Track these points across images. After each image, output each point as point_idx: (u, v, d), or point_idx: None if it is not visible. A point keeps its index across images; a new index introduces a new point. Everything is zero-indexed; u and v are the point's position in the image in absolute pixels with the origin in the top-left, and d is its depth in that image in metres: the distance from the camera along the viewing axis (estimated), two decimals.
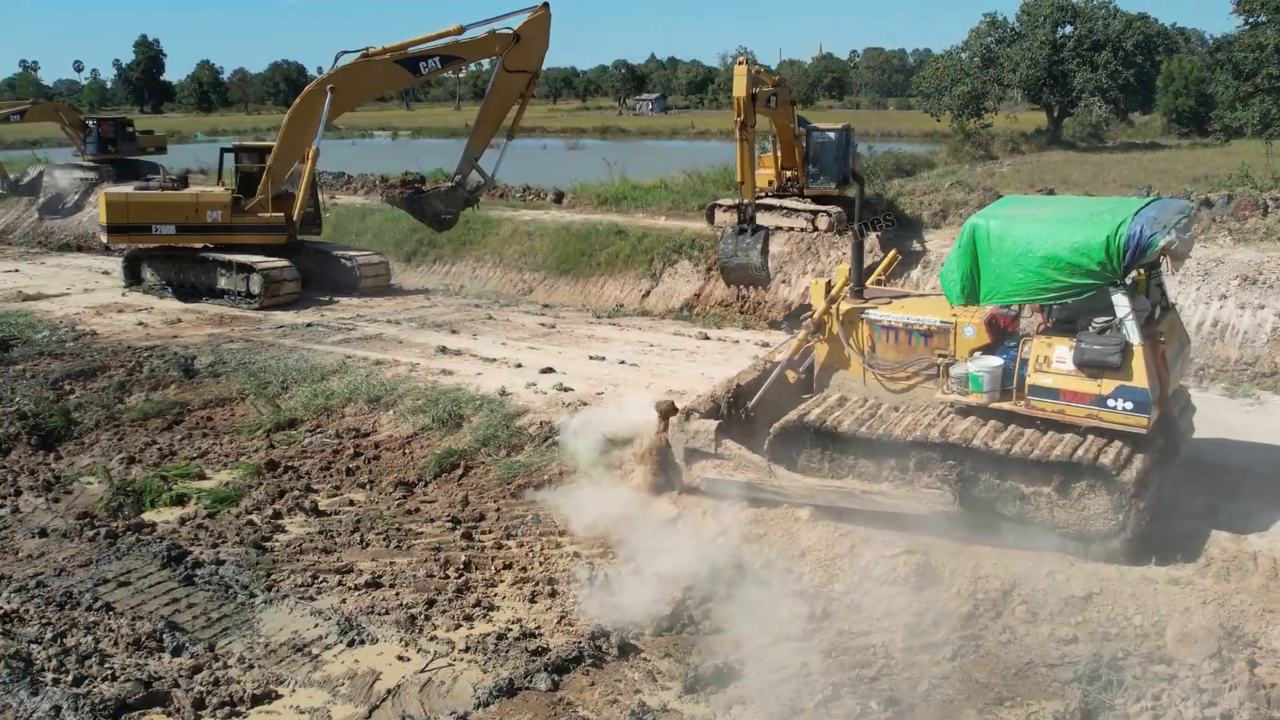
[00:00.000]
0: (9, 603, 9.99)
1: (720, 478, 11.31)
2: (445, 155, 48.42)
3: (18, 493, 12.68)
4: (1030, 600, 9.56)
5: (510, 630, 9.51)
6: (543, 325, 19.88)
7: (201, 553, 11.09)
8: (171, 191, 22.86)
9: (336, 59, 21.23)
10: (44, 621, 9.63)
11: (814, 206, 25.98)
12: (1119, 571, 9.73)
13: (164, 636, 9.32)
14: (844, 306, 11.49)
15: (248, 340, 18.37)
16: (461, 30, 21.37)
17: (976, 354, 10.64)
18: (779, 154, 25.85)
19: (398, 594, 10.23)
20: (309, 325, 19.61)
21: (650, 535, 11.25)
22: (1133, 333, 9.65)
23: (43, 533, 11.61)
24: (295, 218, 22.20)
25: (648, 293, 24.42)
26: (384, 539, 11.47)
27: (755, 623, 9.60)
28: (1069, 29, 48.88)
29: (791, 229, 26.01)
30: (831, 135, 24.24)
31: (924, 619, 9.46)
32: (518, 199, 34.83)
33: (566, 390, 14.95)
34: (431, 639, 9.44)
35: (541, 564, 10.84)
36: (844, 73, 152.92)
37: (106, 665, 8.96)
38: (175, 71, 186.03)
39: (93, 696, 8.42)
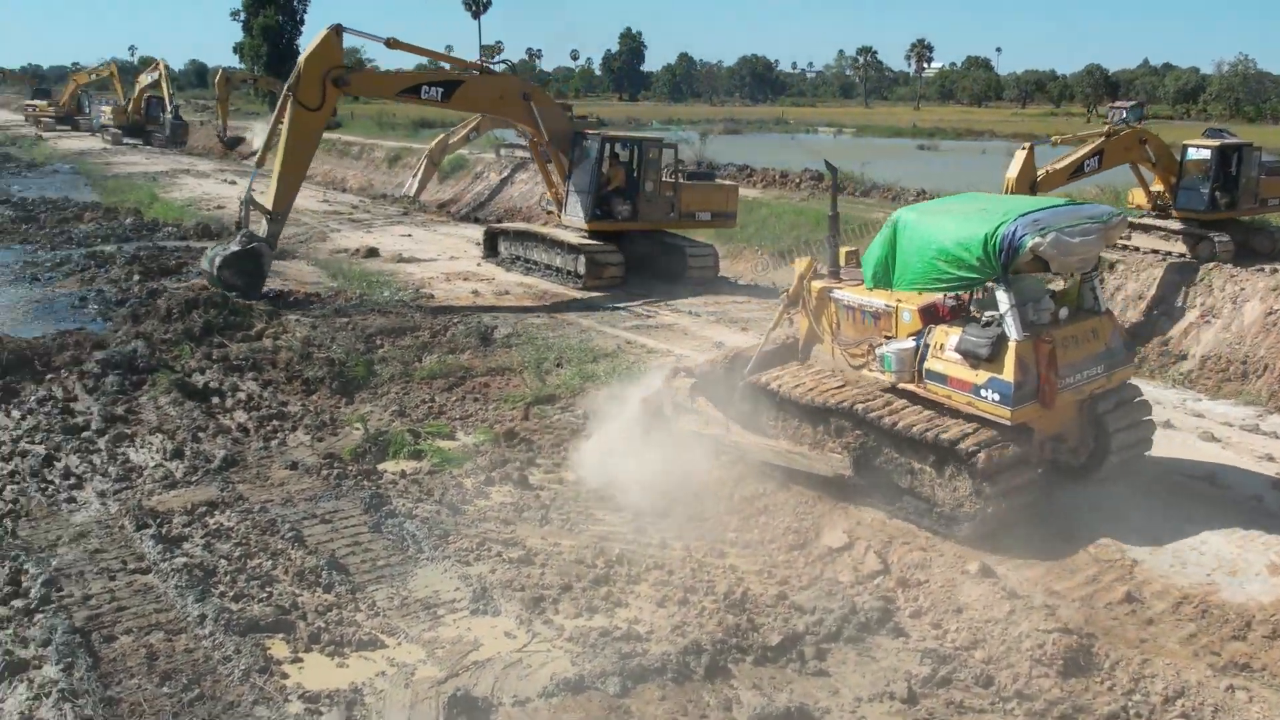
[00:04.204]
0: (228, 520, 11.42)
1: (697, 431, 12.35)
2: (867, 154, 48.35)
3: (294, 428, 14.39)
4: (1194, 714, 8.12)
5: (619, 628, 9.48)
6: None
7: (401, 505, 12.01)
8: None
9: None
10: (241, 541, 10.92)
11: (1199, 230, 23.32)
12: None
13: (323, 573, 10.23)
14: (815, 285, 12.22)
15: (551, 316, 19.52)
16: None
17: (909, 338, 11.03)
18: (1142, 172, 23.63)
19: (542, 573, 10.50)
20: (615, 308, 20.46)
21: (814, 562, 10.76)
22: (1011, 328, 10.01)
23: (293, 466, 13.09)
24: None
25: None
26: (564, 520, 11.80)
27: (867, 674, 8.90)
28: None
29: (1169, 253, 23.47)
30: (1206, 154, 21.45)
31: (1056, 709, 8.30)
32: (909, 205, 33.93)
33: None
34: (546, 622, 9.62)
35: (693, 571, 10.66)
36: None
37: (267, 589, 9.99)
38: (654, 62, 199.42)
39: (238, 614, 9.45)
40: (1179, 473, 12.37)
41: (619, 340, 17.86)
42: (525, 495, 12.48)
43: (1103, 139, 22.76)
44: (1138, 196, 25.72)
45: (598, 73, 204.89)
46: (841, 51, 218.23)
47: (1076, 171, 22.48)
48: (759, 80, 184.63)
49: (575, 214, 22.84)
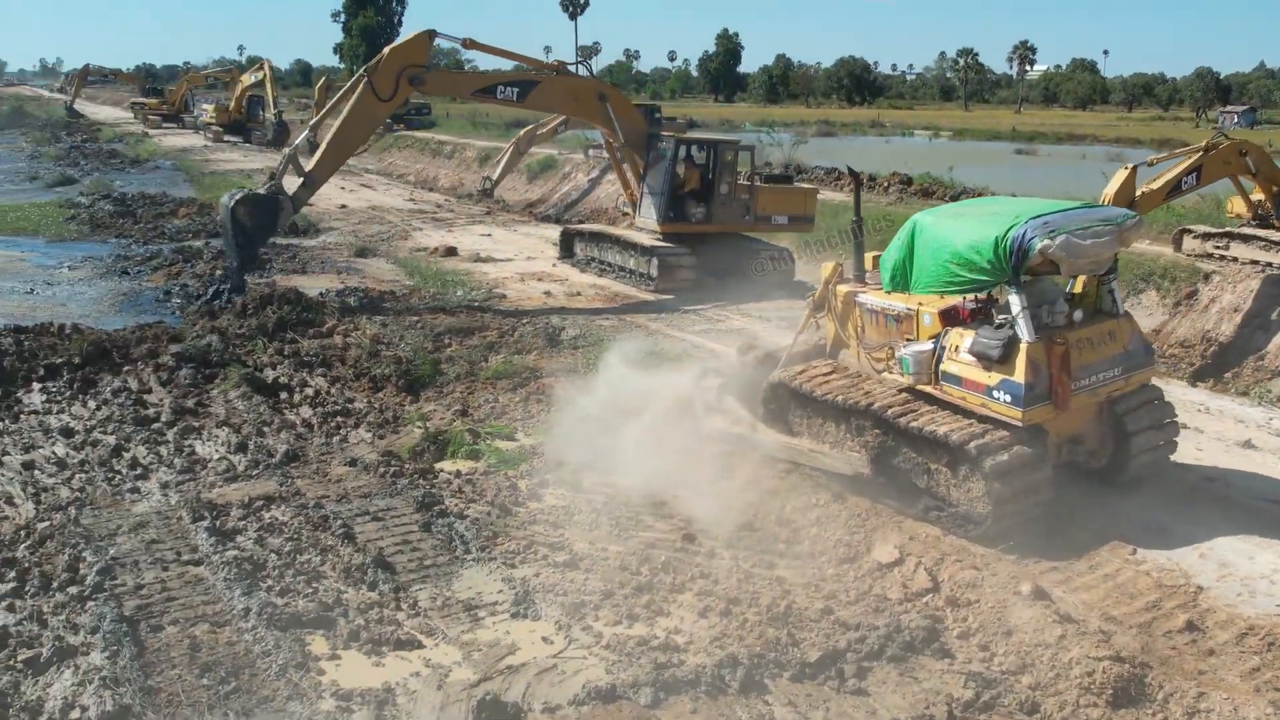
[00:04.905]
0: (283, 514, 11.58)
1: (724, 429, 12.54)
2: (962, 158, 47.29)
3: (357, 425, 14.56)
4: None
5: (657, 638, 9.36)
6: None
7: (453, 505, 12.05)
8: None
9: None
10: (292, 536, 11.05)
11: None
12: None
13: (369, 571, 10.30)
14: (841, 289, 12.37)
15: (621, 319, 19.47)
16: None
17: (928, 340, 11.12)
18: (1242, 181, 22.64)
19: (585, 579, 10.43)
20: (685, 311, 20.34)
21: (863, 576, 10.51)
22: (1023, 330, 10.15)
23: (352, 463, 13.23)
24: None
25: None
26: (614, 525, 11.71)
27: (908, 695, 8.64)
28: None
29: (1269, 264, 22.50)
30: None
31: None
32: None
33: None
34: (585, 629, 9.54)
35: (739, 582, 10.48)
36: None
37: (313, 585, 10.09)
38: (751, 63, 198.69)
39: (282, 609, 9.55)
40: (1256, 496, 11.81)
41: (686, 344, 17.73)
42: (578, 498, 12.42)
43: (1200, 154, 21.84)
44: (1237, 205, 24.70)
45: (694, 74, 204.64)
46: (942, 53, 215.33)
47: (1174, 189, 21.57)
48: (856, 82, 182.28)
49: (649, 216, 22.79)
